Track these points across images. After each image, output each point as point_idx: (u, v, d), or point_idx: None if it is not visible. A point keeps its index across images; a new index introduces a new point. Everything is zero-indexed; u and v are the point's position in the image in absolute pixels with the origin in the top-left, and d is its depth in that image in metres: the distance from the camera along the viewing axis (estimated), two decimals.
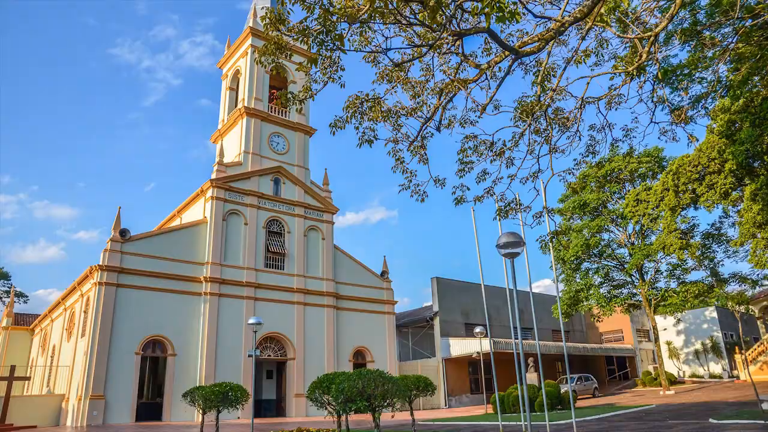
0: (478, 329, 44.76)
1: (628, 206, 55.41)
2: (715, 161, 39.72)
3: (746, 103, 32.87)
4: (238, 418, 43.75)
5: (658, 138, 20.93)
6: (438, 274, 72.63)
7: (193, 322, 46.05)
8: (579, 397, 54.39)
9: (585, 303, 60.99)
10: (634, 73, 17.96)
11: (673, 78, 22.01)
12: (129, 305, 43.28)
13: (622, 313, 64.58)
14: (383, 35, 14.88)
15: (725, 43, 20.75)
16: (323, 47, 13.77)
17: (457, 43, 15.19)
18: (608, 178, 59.45)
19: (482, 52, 17.51)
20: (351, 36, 14.41)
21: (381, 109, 16.01)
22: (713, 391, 52.16)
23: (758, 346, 66.52)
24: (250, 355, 44.78)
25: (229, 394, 31.94)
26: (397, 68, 15.75)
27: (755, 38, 20.11)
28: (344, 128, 15.79)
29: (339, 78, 15.12)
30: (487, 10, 10.68)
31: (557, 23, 14.75)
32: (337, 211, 57.82)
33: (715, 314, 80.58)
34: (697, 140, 22.13)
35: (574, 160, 20.91)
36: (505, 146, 19.08)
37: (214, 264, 47.76)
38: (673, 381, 65.16)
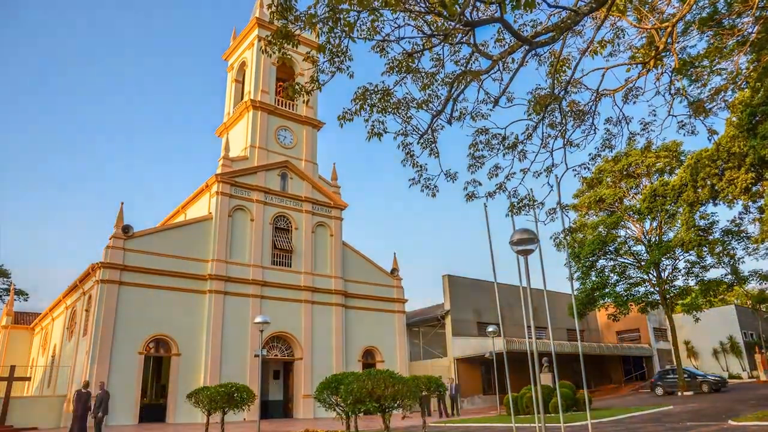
0: (490, 328, 44.71)
1: (645, 202, 55.30)
2: (735, 155, 39.64)
3: (767, 96, 32.70)
4: (244, 419, 43.76)
5: (677, 132, 20.89)
6: (449, 271, 72.48)
7: (197, 320, 46.02)
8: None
9: (601, 302, 60.86)
10: (651, 64, 17.90)
11: (691, 69, 21.94)
12: (132, 304, 43.27)
13: (639, 312, 64.43)
14: (395, 23, 14.84)
15: (745, 32, 20.65)
16: (332, 34, 13.75)
17: (469, 33, 15.16)
18: (624, 172, 59.27)
19: (495, 43, 17.49)
20: (360, 25, 14.38)
21: (390, 100, 15.97)
22: (732, 391, 52.04)
23: None
24: (256, 355, 44.84)
25: (235, 394, 32.00)
26: (408, 58, 15.71)
27: None
28: (353, 120, 15.73)
29: (347, 68, 15.08)
30: None
31: (572, 13, 14.70)
32: (346, 207, 57.80)
33: (734, 313, 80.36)
34: (717, 134, 22.05)
35: (590, 154, 20.83)
36: (518, 140, 19.05)
37: (220, 261, 47.76)
38: None
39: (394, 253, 62.17)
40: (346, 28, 13.56)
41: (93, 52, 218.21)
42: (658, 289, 57.65)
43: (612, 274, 60.48)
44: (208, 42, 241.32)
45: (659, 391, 56.55)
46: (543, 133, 18.99)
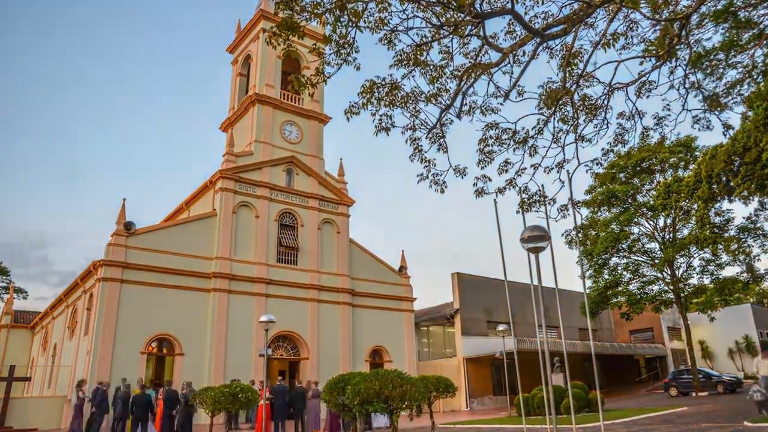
0: (501, 327, 44.72)
1: (659, 198, 55.19)
2: (751, 151, 39.53)
3: None
4: (249, 420, 43.81)
5: (691, 126, 20.76)
6: (458, 269, 72.38)
7: (201, 319, 46.02)
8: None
9: (614, 300, 60.81)
10: (665, 57, 17.87)
11: (706, 63, 21.88)
12: (134, 302, 43.25)
13: (652, 311, 64.27)
14: (404, 13, 14.82)
15: (761, 25, 20.61)
16: (338, 24, 13.75)
17: (479, 25, 15.14)
18: (638, 168, 59.12)
19: (505, 35, 17.47)
20: (367, 16, 14.38)
21: (398, 94, 15.96)
22: (748, 392, 51.98)
23: None
24: (261, 355, 44.78)
25: (240, 395, 31.99)
26: (416, 49, 15.70)
27: None
28: (359, 114, 15.73)
29: (354, 60, 15.07)
30: None
31: (584, 4, 14.69)
32: (353, 204, 57.82)
33: (750, 312, 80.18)
34: (732, 128, 21.96)
35: (602, 149, 20.80)
36: (528, 135, 19.04)
37: (224, 259, 47.78)
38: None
39: (402, 251, 62.15)
40: (353, 18, 13.57)
41: (91, 43, 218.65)
42: (672, 287, 57.59)
43: (625, 273, 60.43)
44: (213, 34, 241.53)
45: (673, 391, 56.56)
46: (554, 127, 18.99)
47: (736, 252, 53.86)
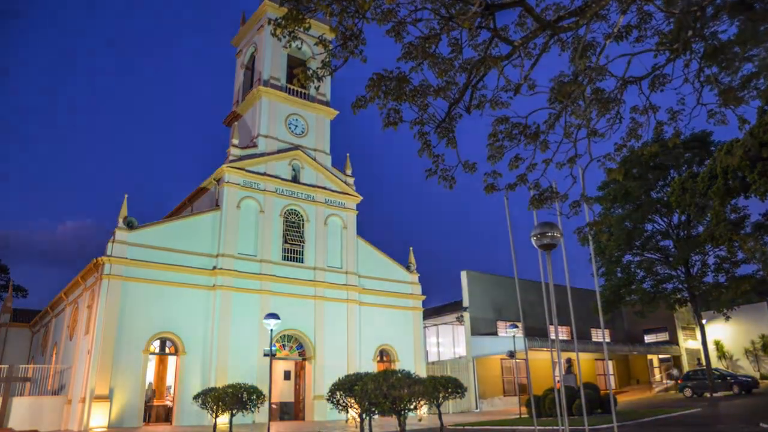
0: (511, 327, 44.76)
1: (674, 194, 55.14)
2: (767, 146, 39.49)
3: None
4: (253, 422, 43.80)
5: (706, 121, 20.71)
6: (468, 267, 72.42)
7: (204, 318, 46.01)
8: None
9: (627, 299, 60.80)
10: (680, 51, 17.85)
11: (722, 57, 21.83)
12: (136, 300, 43.22)
13: (667, 310, 64.19)
14: (413, 4, 14.82)
15: None
16: (345, 14, 13.74)
17: (489, 17, 15.12)
18: (651, 164, 59.05)
19: (515, 27, 17.46)
20: (374, 8, 14.37)
21: (407, 87, 15.94)
22: (765, 393, 51.90)
23: None
24: (266, 354, 44.81)
25: (243, 395, 32.04)
26: (425, 41, 15.68)
27: None
28: (366, 108, 15.71)
29: (360, 53, 15.07)
30: None
31: None
32: (361, 199, 57.78)
33: (767, 310, 79.96)
34: (749, 123, 21.92)
35: (615, 144, 20.74)
36: (539, 129, 19.01)
37: (228, 256, 47.75)
38: None
39: (411, 248, 62.06)
40: (360, 9, 13.57)
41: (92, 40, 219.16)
42: (686, 285, 57.56)
43: (638, 270, 60.41)
44: (216, 26, 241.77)
45: (687, 392, 56.56)
46: (566, 122, 18.96)
47: (753, 249, 53.75)
